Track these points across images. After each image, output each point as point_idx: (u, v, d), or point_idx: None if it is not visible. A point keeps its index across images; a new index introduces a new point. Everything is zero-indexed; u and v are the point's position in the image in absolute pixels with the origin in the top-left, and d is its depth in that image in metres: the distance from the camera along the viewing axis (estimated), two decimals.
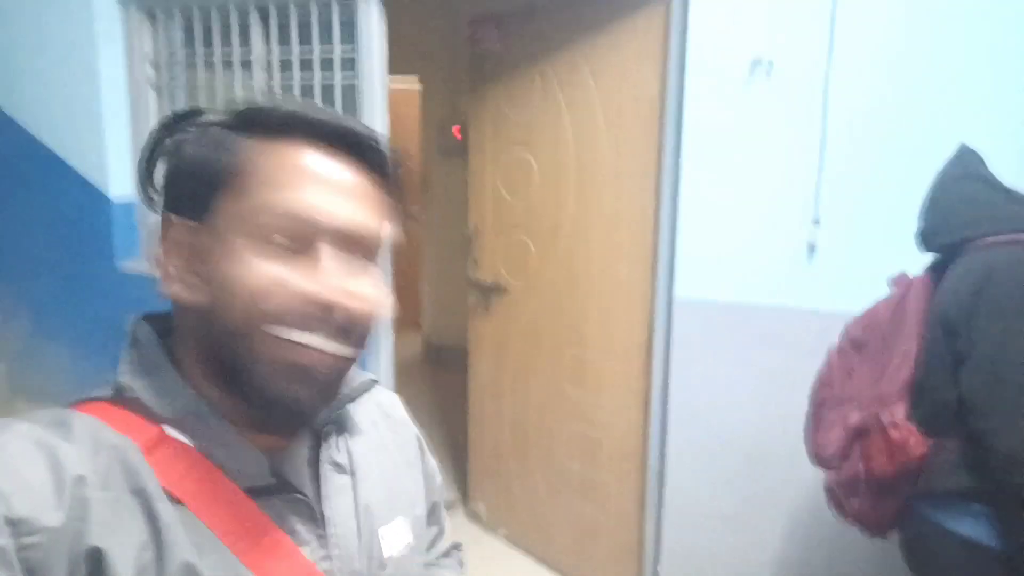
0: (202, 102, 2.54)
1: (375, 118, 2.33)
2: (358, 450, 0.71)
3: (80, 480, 0.50)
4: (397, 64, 4.88)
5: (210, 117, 0.61)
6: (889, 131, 1.79)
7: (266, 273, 0.55)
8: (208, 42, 2.49)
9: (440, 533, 0.89)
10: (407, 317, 5.70)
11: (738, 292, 1.98)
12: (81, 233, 2.65)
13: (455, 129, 4.84)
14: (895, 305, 1.44)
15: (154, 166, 0.62)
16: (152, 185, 0.62)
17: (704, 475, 2.11)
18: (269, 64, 2.45)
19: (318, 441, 0.67)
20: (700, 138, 1.96)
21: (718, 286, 2.00)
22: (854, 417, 1.40)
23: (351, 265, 0.58)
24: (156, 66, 2.60)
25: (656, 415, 2.20)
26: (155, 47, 2.60)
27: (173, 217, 0.59)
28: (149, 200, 0.63)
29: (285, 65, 2.42)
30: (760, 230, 1.94)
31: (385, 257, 0.63)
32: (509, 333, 2.72)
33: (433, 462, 0.85)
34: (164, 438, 0.56)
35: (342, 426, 0.71)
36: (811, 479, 1.96)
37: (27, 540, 0.47)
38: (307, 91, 2.41)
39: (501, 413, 2.80)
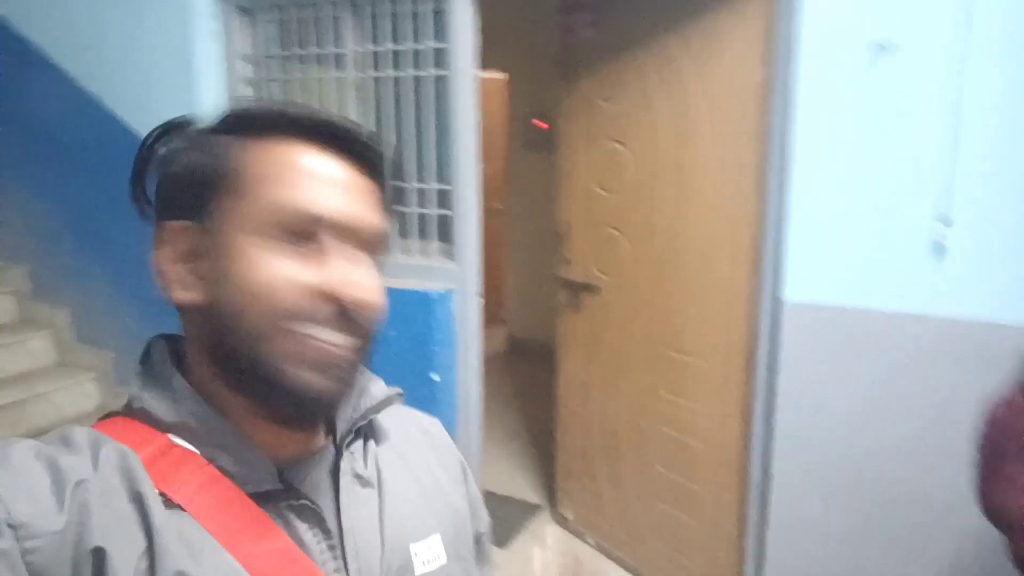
0: (297, 98, 2.55)
1: (466, 111, 2.28)
2: (389, 464, 0.71)
3: (81, 485, 0.51)
4: (484, 60, 4.87)
5: (199, 125, 0.62)
6: None
7: (274, 269, 0.56)
8: (303, 38, 2.50)
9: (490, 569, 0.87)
10: (491, 312, 5.68)
11: (855, 296, 1.83)
12: None
13: (536, 122, 4.77)
14: None
15: (145, 176, 0.64)
16: (145, 195, 0.64)
17: (813, 490, 1.96)
18: (362, 59, 2.44)
19: (340, 452, 0.67)
20: (813, 128, 1.81)
21: (832, 289, 1.85)
22: None
23: (352, 257, 0.59)
24: (253, 63, 2.63)
25: (759, 425, 2.07)
26: (252, 44, 2.63)
27: (168, 223, 0.61)
28: (142, 211, 0.64)
29: (378, 59, 2.41)
30: (881, 228, 1.77)
31: (383, 250, 0.64)
32: (600, 332, 2.62)
33: (477, 492, 0.83)
34: (168, 445, 0.57)
35: (369, 438, 0.71)
36: (932, 498, 1.80)
37: (30, 544, 0.48)
38: (398, 84, 2.39)
39: (591, 415, 2.71)
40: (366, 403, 0.70)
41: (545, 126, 4.71)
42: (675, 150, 2.25)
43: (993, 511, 1.22)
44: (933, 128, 1.68)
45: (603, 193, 2.54)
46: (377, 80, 2.44)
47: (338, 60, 2.48)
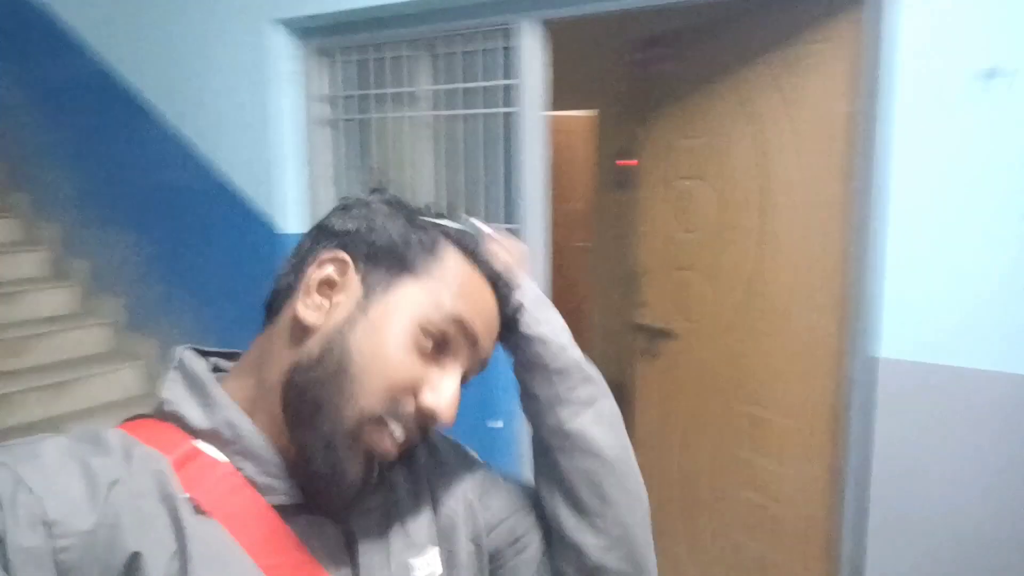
0: (374, 137, 2.56)
1: (535, 148, 2.21)
2: (393, 477, 0.71)
3: (113, 486, 0.52)
4: (571, 98, 4.83)
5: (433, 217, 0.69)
6: None
7: (403, 352, 0.59)
8: (380, 79, 2.51)
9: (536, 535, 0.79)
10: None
11: (960, 355, 1.60)
12: (246, 260, 2.78)
13: (619, 161, 4.66)
14: None
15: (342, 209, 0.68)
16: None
17: (913, 567, 1.72)
18: (434, 97, 2.42)
19: None
20: (912, 165, 1.61)
21: (933, 346, 1.63)
22: None
23: (456, 373, 0.63)
24: (330, 103, 2.66)
25: (850, 492, 1.84)
26: (329, 85, 2.67)
27: (342, 251, 0.63)
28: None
29: (450, 97, 2.38)
30: (988, 279, 1.55)
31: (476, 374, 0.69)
32: (678, 383, 2.45)
33: (490, 478, 0.80)
34: (196, 451, 0.58)
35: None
36: None
37: (61, 543, 0.48)
38: (467, 122, 2.35)
39: (667, 472, 2.52)
40: None
41: (633, 162, 4.59)
42: (757, 188, 2.09)
43: None
44: None
45: (682, 234, 2.40)
46: (448, 119, 2.41)
47: (411, 99, 2.47)
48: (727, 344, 2.24)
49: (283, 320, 0.63)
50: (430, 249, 0.64)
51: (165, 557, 0.51)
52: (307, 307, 0.61)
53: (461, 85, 2.34)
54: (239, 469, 0.59)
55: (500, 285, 0.68)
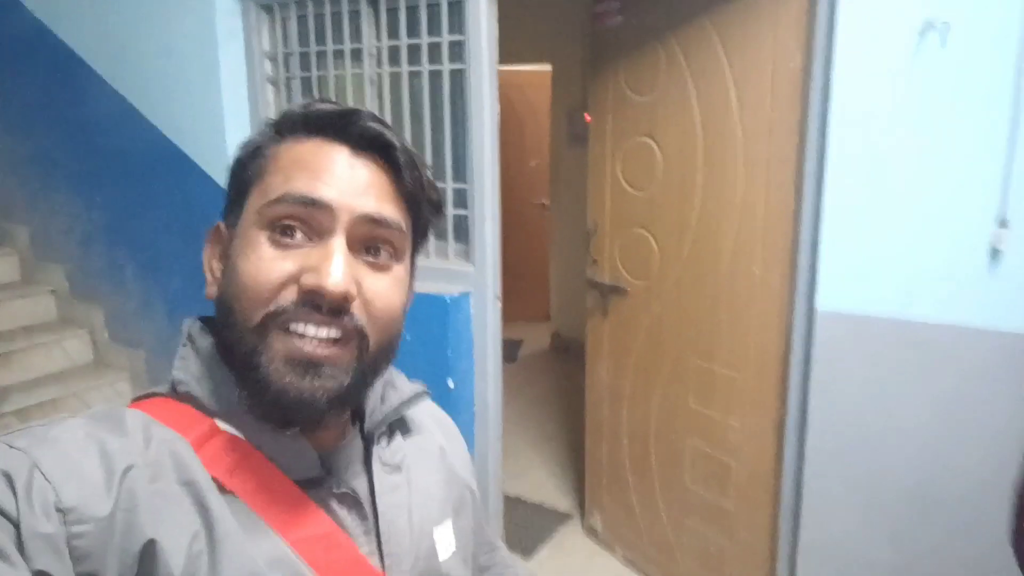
0: (316, 95, 2.49)
1: (484, 106, 2.17)
2: (412, 452, 0.72)
3: (129, 471, 0.51)
4: (527, 52, 4.74)
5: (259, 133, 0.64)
6: None
7: (259, 260, 0.57)
8: (321, 36, 2.44)
9: (499, 553, 0.89)
10: (536, 309, 5.58)
11: (899, 306, 1.64)
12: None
13: (586, 116, 4.62)
14: None
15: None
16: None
17: (852, 517, 1.79)
18: (379, 54, 2.36)
19: (371, 441, 0.69)
20: (851, 120, 1.63)
21: (872, 298, 1.67)
22: None
23: (333, 248, 0.58)
24: (274, 61, 2.58)
25: (791, 442, 1.90)
26: (272, 42, 2.58)
27: (220, 224, 0.64)
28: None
29: (395, 54, 2.32)
30: (929, 232, 1.59)
31: (394, 242, 0.63)
32: (629, 338, 2.48)
33: (475, 484, 0.83)
34: (215, 431, 0.58)
35: (394, 428, 0.72)
36: (979, 522, 1.60)
37: (77, 528, 0.48)
38: (414, 80, 2.30)
39: (619, 424, 2.58)
40: (395, 397, 0.71)
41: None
42: (706, 144, 2.09)
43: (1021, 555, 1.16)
44: (988, 119, 1.48)
45: (632, 191, 2.40)
46: (394, 76, 2.36)
47: (356, 55, 2.41)
48: (676, 300, 2.27)
49: None
50: (258, 154, 0.62)
51: (185, 540, 0.51)
52: (209, 285, 0.62)
53: (406, 41, 2.28)
54: (258, 447, 0.59)
55: (324, 122, 0.61)
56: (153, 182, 2.81)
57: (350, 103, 2.35)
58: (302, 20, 2.48)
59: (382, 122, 0.61)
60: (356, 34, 2.38)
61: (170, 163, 2.69)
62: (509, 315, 6.08)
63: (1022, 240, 1.49)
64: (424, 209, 0.66)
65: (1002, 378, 1.55)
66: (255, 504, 0.56)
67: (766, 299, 1.96)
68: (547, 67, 4.94)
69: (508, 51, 5.15)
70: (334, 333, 0.57)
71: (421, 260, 2.34)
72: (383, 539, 0.64)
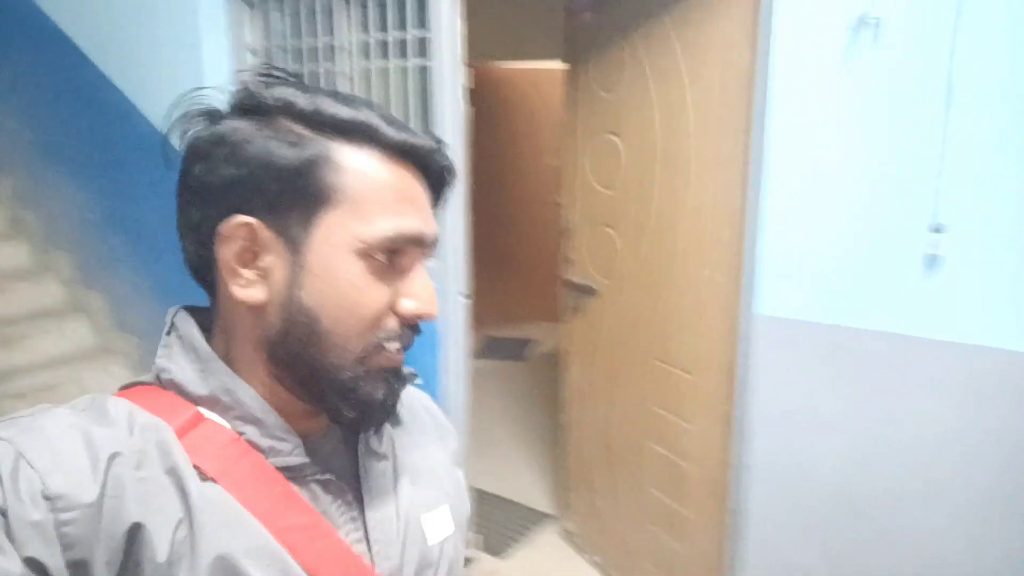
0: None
1: (449, 103, 2.18)
2: (399, 439, 0.72)
3: (115, 458, 0.51)
4: (543, 49, 4.72)
5: (269, 102, 0.58)
6: None
7: (366, 287, 0.57)
8: (307, 30, 2.48)
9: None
10: (551, 309, 5.55)
11: (834, 312, 1.59)
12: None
13: None
14: None
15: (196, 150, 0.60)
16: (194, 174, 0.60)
17: (788, 524, 1.74)
18: (351, 49, 2.39)
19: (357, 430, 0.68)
20: (787, 119, 1.58)
21: (808, 304, 1.62)
22: None
23: (421, 271, 0.61)
24: (255, 54, 2.64)
25: (735, 450, 1.86)
26: (254, 36, 2.64)
27: (236, 218, 0.57)
28: (189, 189, 0.61)
29: (365, 50, 2.35)
30: (863, 237, 1.53)
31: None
32: (598, 338, 2.46)
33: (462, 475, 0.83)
34: (198, 418, 0.57)
35: None
36: (919, 539, 1.54)
37: (65, 516, 0.48)
38: (382, 75, 2.33)
39: (589, 425, 2.55)
40: None
41: None
42: (664, 143, 2.06)
43: None
44: (921, 118, 1.42)
45: (600, 189, 2.37)
46: (364, 72, 2.38)
47: (335, 51, 2.44)
48: (638, 300, 2.24)
49: (227, 299, 0.60)
50: (327, 163, 0.57)
51: (170, 527, 0.51)
52: (242, 288, 0.58)
53: (373, 36, 2.31)
54: (241, 434, 0.58)
55: (415, 153, 0.60)
56: (150, 172, 2.90)
57: None
58: (288, 15, 2.52)
59: (447, 152, 0.63)
60: (334, 29, 2.41)
61: (163, 155, 2.77)
62: (521, 315, 6.06)
63: (957, 246, 1.42)
64: None
65: (936, 388, 1.49)
66: (237, 493, 0.55)
67: (716, 301, 1.92)
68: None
69: (523, 48, 5.13)
70: (410, 342, 0.62)
71: None
72: (369, 525, 0.63)
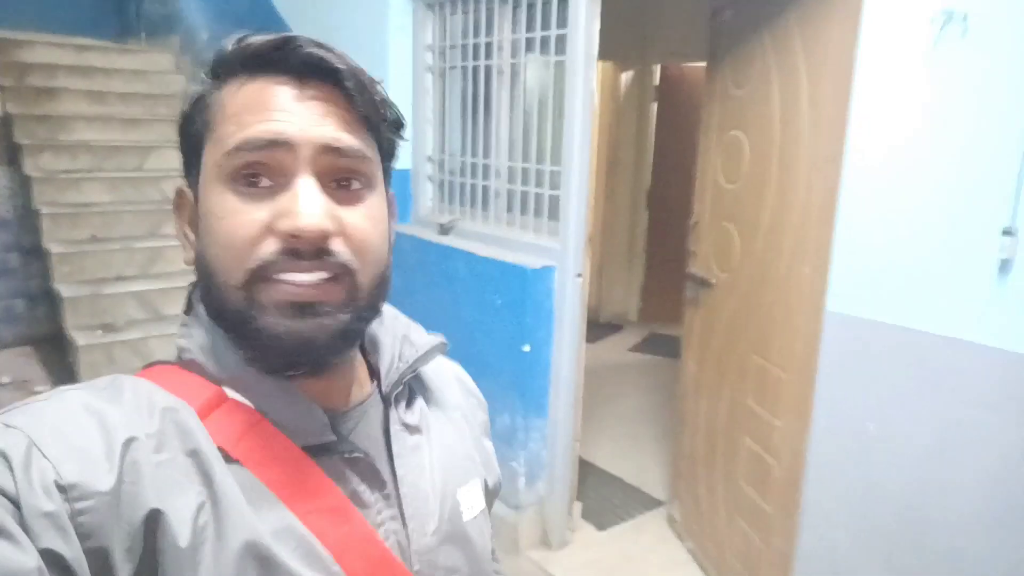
0: (469, 85, 2.84)
1: (578, 95, 2.35)
2: (432, 411, 0.71)
3: (131, 443, 0.50)
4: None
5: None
6: None
7: (232, 216, 0.54)
8: (476, 30, 2.76)
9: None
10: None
11: (903, 314, 1.55)
12: None
13: None
14: None
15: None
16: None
17: (852, 533, 1.71)
18: (504, 46, 2.63)
19: (388, 403, 0.66)
20: (869, 118, 1.56)
21: (879, 303, 1.59)
22: None
23: (301, 186, 0.54)
24: (432, 51, 2.98)
25: (812, 449, 1.84)
26: (433, 35, 2.98)
27: (182, 188, 0.61)
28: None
29: (519, 46, 2.59)
30: (934, 239, 1.48)
31: (363, 170, 0.58)
32: (711, 333, 2.50)
33: (491, 445, 0.81)
34: (222, 398, 0.56)
35: (413, 387, 0.70)
36: (985, 560, 1.46)
37: (80, 505, 0.46)
38: (528, 69, 2.54)
39: (699, 418, 2.59)
40: (411, 353, 0.68)
41: None
42: (782, 140, 2.06)
43: None
44: (1004, 119, 1.35)
45: (726, 185, 2.41)
46: (515, 66, 2.62)
47: (498, 48, 2.69)
48: (748, 295, 2.25)
49: None
50: (199, 106, 0.58)
51: (191, 511, 0.50)
52: (185, 251, 0.61)
53: (524, 35, 2.53)
54: (266, 413, 0.57)
55: (261, 57, 0.56)
56: None
57: (484, 90, 2.68)
58: (460, 15, 2.83)
59: (323, 46, 0.56)
60: (498, 28, 2.67)
61: None
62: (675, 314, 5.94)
63: None
64: (383, 130, 0.61)
65: (1004, 400, 1.41)
66: (262, 474, 0.54)
67: (812, 299, 1.91)
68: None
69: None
70: (322, 275, 0.54)
71: (513, 232, 2.61)
72: (404, 502, 0.62)
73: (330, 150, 0.55)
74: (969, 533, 1.49)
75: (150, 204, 3.71)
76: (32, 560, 0.43)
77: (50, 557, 0.44)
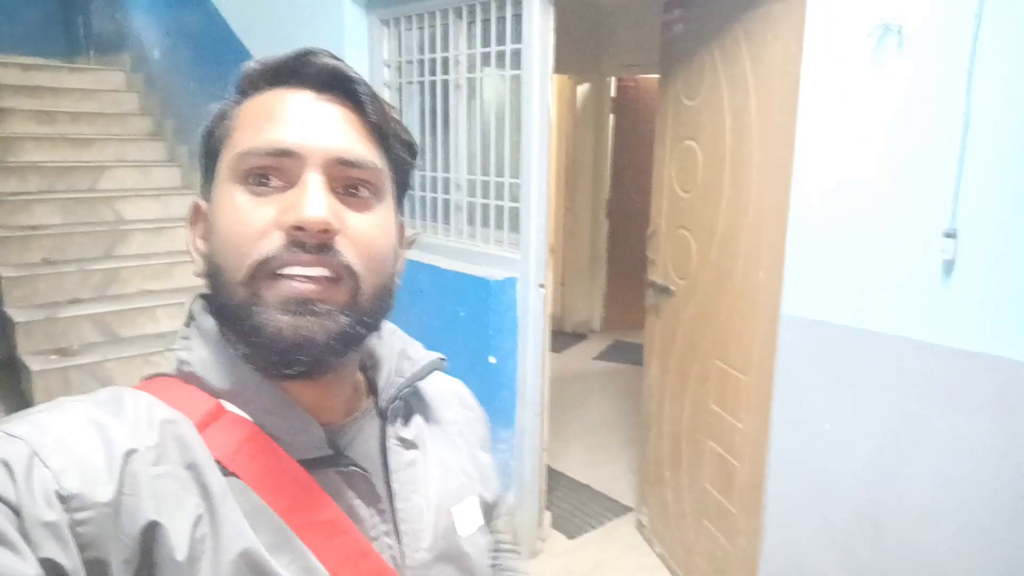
0: (427, 99, 2.86)
1: (535, 108, 2.38)
2: (429, 428, 0.71)
3: (131, 455, 0.50)
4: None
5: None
6: None
7: (237, 214, 0.55)
8: (431, 46, 2.78)
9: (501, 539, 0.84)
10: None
11: (854, 315, 1.60)
12: None
13: None
14: None
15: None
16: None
17: (811, 530, 1.75)
18: (470, 61, 2.66)
19: (386, 418, 0.67)
20: (813, 126, 1.62)
21: (831, 304, 1.64)
22: None
23: (306, 185, 0.56)
24: (389, 67, 3.00)
25: (772, 450, 1.89)
26: (389, 51, 3.00)
27: (198, 202, 0.62)
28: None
29: (472, 61, 2.61)
30: (880, 242, 1.54)
31: (372, 179, 0.60)
32: (673, 337, 2.54)
33: (491, 460, 0.81)
34: (220, 411, 0.57)
35: (410, 403, 0.71)
36: (940, 553, 1.51)
37: (80, 515, 0.47)
38: (485, 84, 2.57)
39: (663, 422, 2.63)
40: (408, 368, 0.68)
41: None
42: (732, 148, 2.12)
43: None
44: (940, 125, 1.42)
45: (681, 193, 2.46)
46: (472, 80, 2.65)
47: (455, 63, 2.71)
48: (706, 301, 2.30)
49: None
50: (224, 117, 0.60)
51: (189, 523, 0.50)
52: (195, 265, 0.61)
53: (479, 50, 2.56)
54: (263, 426, 0.57)
55: (281, 72, 0.59)
56: None
57: (443, 105, 2.70)
58: (416, 31, 2.85)
59: (338, 59, 0.58)
60: (454, 44, 2.70)
61: None
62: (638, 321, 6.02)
63: (972, 253, 1.40)
64: (394, 145, 0.62)
65: (949, 395, 1.47)
66: (258, 487, 0.54)
67: (767, 303, 1.96)
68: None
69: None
70: (323, 271, 0.55)
71: (475, 245, 2.63)
72: (399, 517, 0.62)
73: (340, 160, 0.57)
74: (922, 524, 1.54)
75: (104, 225, 3.64)
76: (31, 569, 0.43)
77: (49, 566, 0.44)
